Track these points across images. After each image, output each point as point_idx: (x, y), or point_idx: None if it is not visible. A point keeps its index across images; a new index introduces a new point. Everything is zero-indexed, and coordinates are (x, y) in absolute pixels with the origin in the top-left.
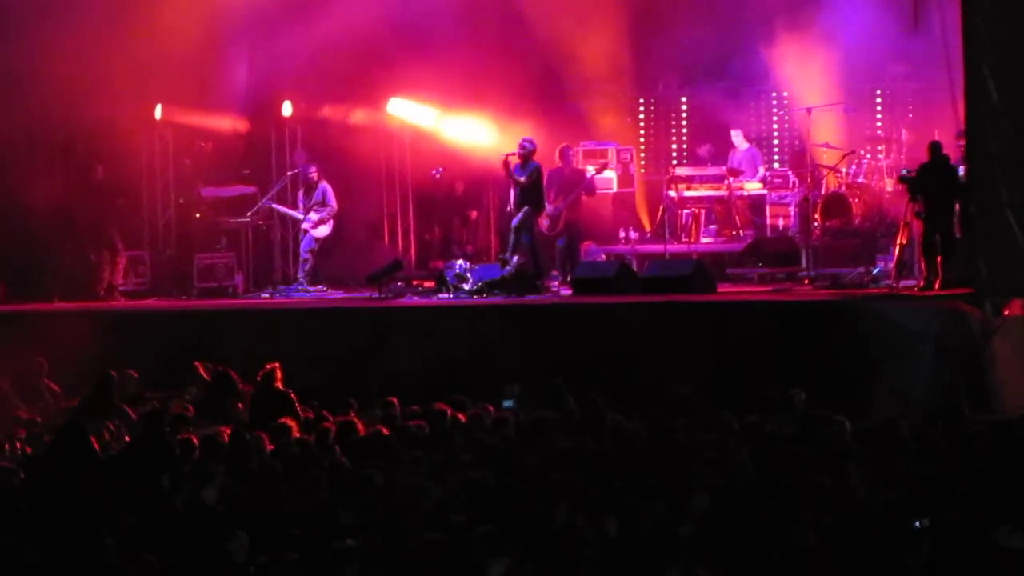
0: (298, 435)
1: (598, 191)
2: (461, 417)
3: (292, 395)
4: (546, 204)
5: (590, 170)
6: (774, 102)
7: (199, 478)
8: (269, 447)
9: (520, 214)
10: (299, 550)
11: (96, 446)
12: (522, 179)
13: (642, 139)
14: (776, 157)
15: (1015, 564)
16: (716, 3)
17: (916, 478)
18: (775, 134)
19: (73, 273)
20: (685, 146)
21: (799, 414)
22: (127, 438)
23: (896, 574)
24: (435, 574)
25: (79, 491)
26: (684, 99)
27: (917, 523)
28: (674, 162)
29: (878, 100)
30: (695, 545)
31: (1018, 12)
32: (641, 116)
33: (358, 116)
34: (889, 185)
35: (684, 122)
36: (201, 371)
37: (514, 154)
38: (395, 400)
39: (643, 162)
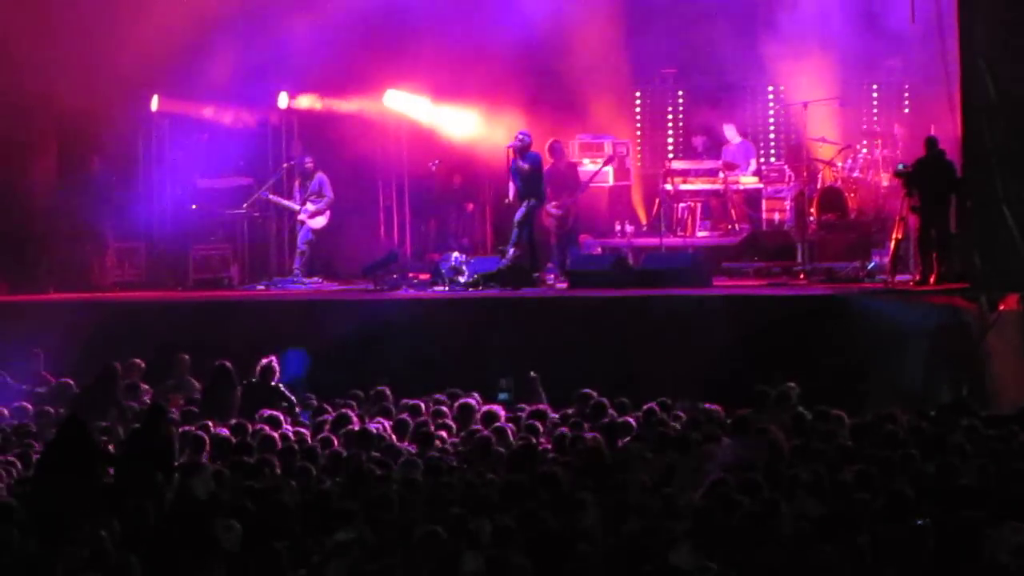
0: (292, 428)
1: (593, 184)
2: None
3: (284, 389)
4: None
5: (597, 164)
6: (770, 96)
7: (190, 470)
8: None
9: (523, 207)
10: (294, 540)
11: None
12: (525, 166)
13: (639, 133)
14: (772, 151)
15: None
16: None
17: (914, 473)
18: (771, 128)
19: (67, 264)
20: (682, 139)
21: (793, 408)
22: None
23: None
24: (428, 565)
25: (79, 484)
26: (680, 93)
27: (919, 521)
28: (670, 156)
29: (874, 94)
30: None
31: (1014, 7)
32: (637, 110)
33: (354, 107)
34: (885, 180)
35: (681, 116)
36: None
37: (513, 146)
38: (386, 391)
39: (639, 156)
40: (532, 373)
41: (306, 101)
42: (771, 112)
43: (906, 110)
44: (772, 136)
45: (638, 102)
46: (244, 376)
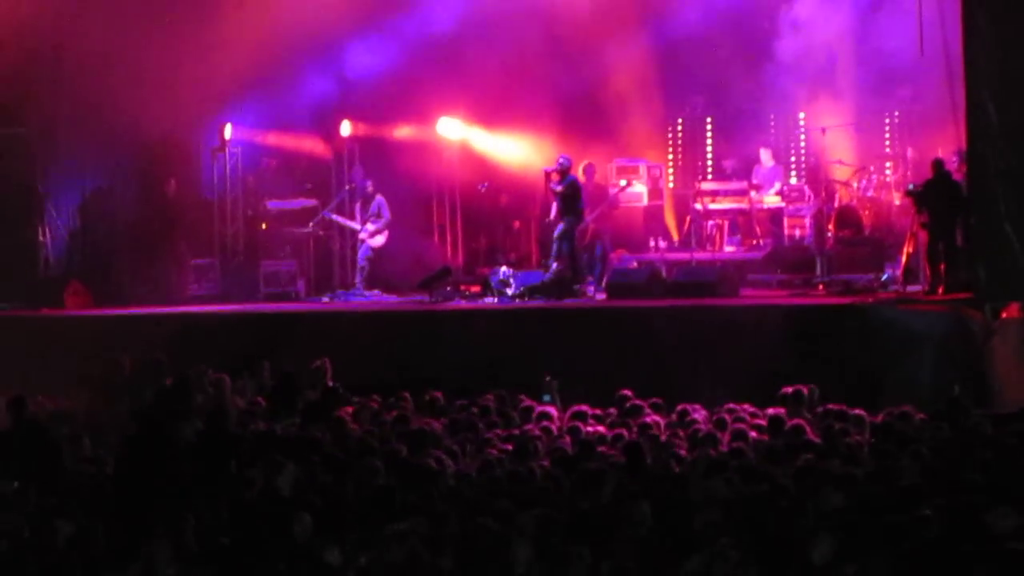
0: (355, 426)
1: (623, 205)
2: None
3: (341, 389)
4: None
5: (621, 184)
6: (792, 122)
7: (272, 468)
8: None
9: (562, 224)
10: (358, 532)
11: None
12: (558, 189)
13: (671, 156)
14: (794, 172)
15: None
16: (740, 33)
17: (925, 467)
18: (793, 151)
19: (148, 279)
20: (711, 162)
21: (815, 408)
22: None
23: (904, 555)
24: (480, 556)
25: (159, 481)
26: (709, 120)
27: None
28: (700, 177)
29: (887, 121)
30: (721, 529)
31: (1015, 41)
32: (670, 135)
33: (410, 134)
34: (896, 199)
35: (709, 140)
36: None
37: (553, 169)
38: (440, 395)
39: (672, 177)
40: (548, 377)
41: (366, 129)
42: (793, 137)
43: (915, 135)
44: (793, 158)
45: (670, 128)
46: (307, 380)
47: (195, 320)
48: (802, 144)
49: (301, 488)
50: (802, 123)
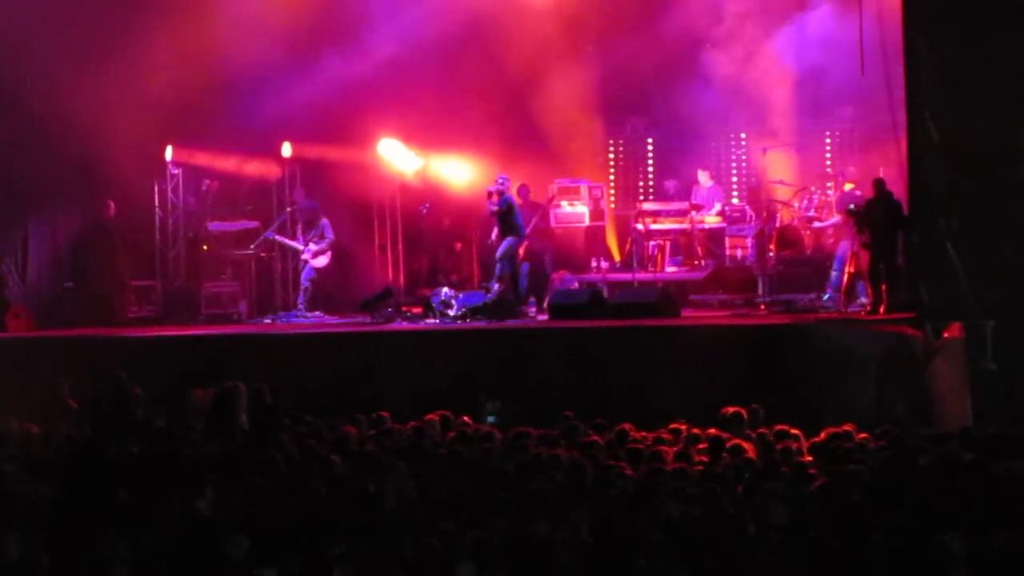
0: (295, 448)
1: (562, 224)
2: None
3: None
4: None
5: (564, 205)
6: (732, 143)
7: (194, 489)
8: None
9: (503, 244)
10: (297, 554)
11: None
12: (495, 209)
13: (612, 177)
14: (735, 193)
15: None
16: (678, 55)
17: (866, 485)
18: (734, 172)
19: (89, 302)
20: (651, 183)
21: (758, 427)
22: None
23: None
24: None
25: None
26: (650, 140)
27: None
28: (641, 198)
29: (827, 140)
30: (664, 550)
31: (955, 63)
32: (611, 156)
33: (351, 156)
34: (837, 218)
35: (650, 161)
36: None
37: (493, 189)
38: (385, 414)
39: (613, 198)
40: (486, 399)
41: (308, 150)
42: (733, 157)
43: (856, 154)
44: (735, 179)
45: (612, 149)
46: (250, 402)
47: (134, 343)
48: (743, 164)
49: (238, 510)
50: (743, 144)
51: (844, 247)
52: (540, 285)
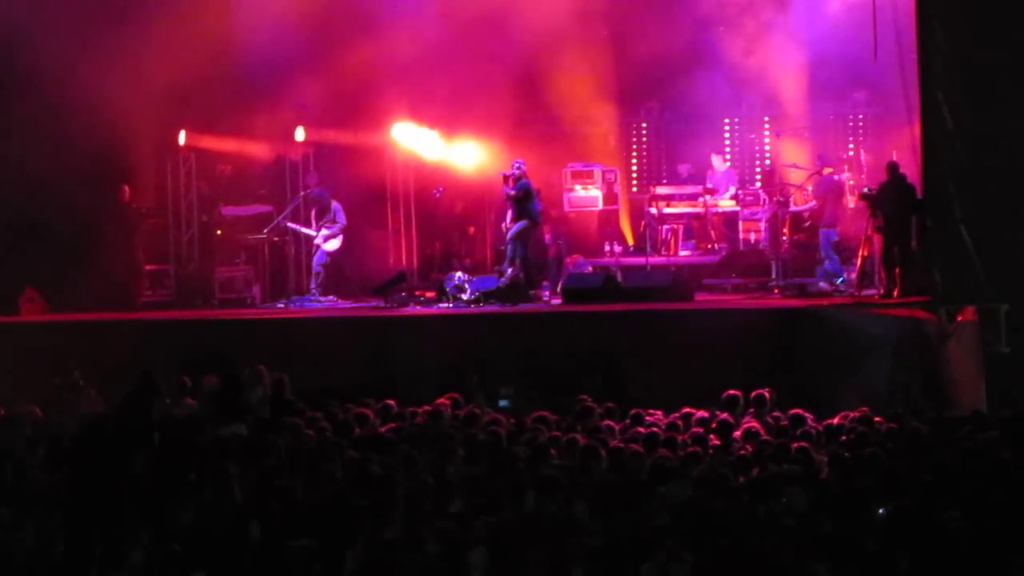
0: (309, 431)
1: (571, 208)
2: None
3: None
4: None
5: (577, 189)
6: (745, 127)
7: (222, 476)
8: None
9: (516, 227)
10: (312, 537)
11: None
12: (512, 193)
13: (634, 160)
14: (759, 177)
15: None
16: (696, 40)
17: (880, 468)
18: (750, 156)
19: (103, 286)
20: (665, 167)
21: (771, 411)
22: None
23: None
24: (434, 559)
25: (114, 487)
26: (663, 124)
27: (881, 510)
28: (656, 182)
29: (849, 124)
30: (672, 533)
31: (968, 46)
32: (634, 140)
33: (365, 140)
34: (851, 202)
35: (664, 145)
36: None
37: (510, 173)
38: (393, 401)
39: (635, 181)
40: (474, 376)
41: (321, 134)
42: (747, 141)
43: (869, 138)
44: (757, 164)
45: (630, 133)
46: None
47: (149, 326)
48: (757, 148)
49: (255, 495)
50: (766, 128)
51: (823, 235)
52: (555, 269)
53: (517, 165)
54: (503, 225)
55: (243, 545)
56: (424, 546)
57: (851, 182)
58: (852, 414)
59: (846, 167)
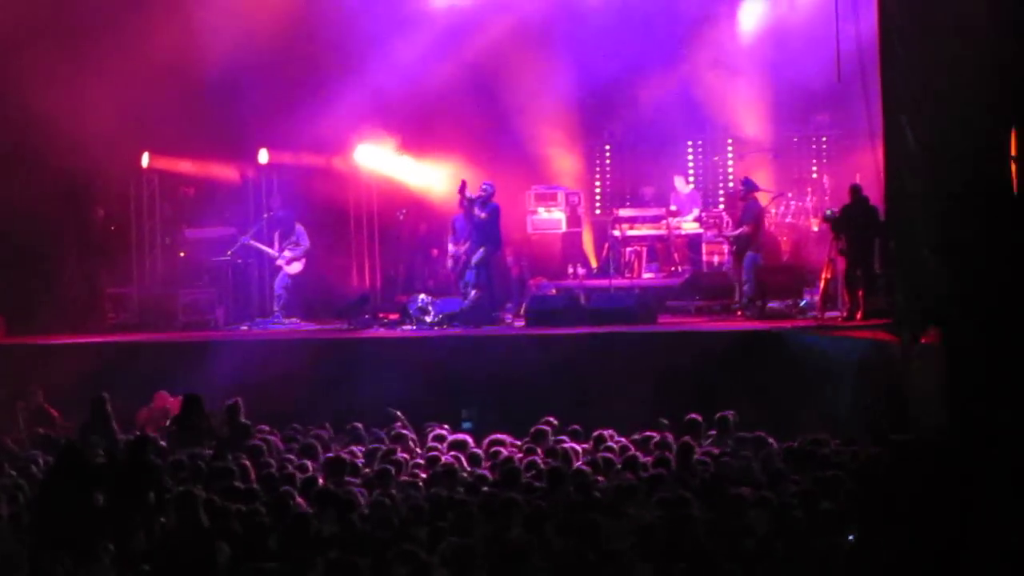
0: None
1: (535, 230)
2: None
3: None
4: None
5: (540, 212)
6: (711, 149)
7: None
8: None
9: (479, 252)
10: (277, 560)
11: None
12: (483, 215)
13: (597, 183)
14: (722, 199)
15: None
16: (659, 62)
17: (844, 492)
18: (714, 178)
19: (67, 308)
20: (628, 189)
21: (731, 434)
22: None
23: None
24: None
25: (77, 509)
26: (625, 147)
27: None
28: (618, 204)
29: (811, 146)
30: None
31: (931, 70)
32: (597, 163)
33: (329, 162)
34: (814, 225)
35: (627, 167)
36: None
37: (477, 196)
38: (359, 425)
39: (598, 203)
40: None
41: (285, 156)
42: (712, 163)
43: (831, 161)
44: (720, 187)
45: (592, 156)
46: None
47: (111, 349)
48: (730, 171)
49: (218, 517)
50: (730, 150)
51: (749, 258)
52: (518, 291)
53: (485, 187)
54: (455, 249)
55: (210, 569)
56: (390, 569)
57: (813, 203)
58: (811, 437)
59: (809, 189)
